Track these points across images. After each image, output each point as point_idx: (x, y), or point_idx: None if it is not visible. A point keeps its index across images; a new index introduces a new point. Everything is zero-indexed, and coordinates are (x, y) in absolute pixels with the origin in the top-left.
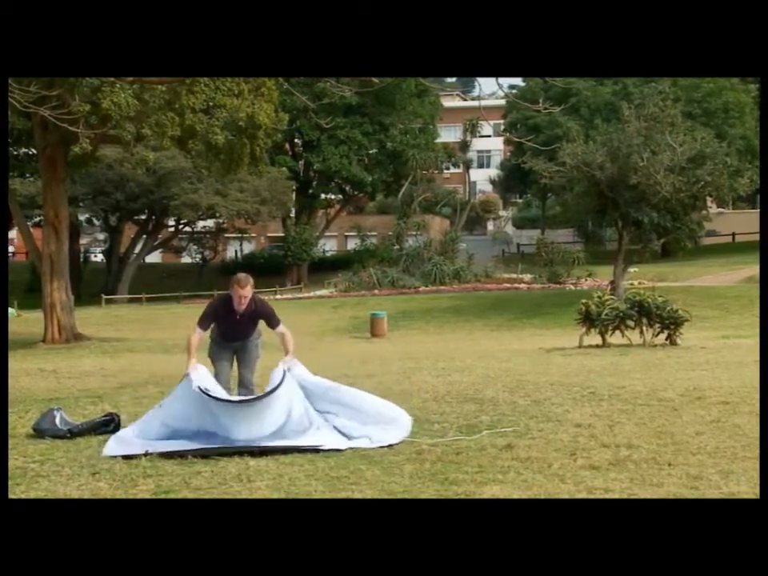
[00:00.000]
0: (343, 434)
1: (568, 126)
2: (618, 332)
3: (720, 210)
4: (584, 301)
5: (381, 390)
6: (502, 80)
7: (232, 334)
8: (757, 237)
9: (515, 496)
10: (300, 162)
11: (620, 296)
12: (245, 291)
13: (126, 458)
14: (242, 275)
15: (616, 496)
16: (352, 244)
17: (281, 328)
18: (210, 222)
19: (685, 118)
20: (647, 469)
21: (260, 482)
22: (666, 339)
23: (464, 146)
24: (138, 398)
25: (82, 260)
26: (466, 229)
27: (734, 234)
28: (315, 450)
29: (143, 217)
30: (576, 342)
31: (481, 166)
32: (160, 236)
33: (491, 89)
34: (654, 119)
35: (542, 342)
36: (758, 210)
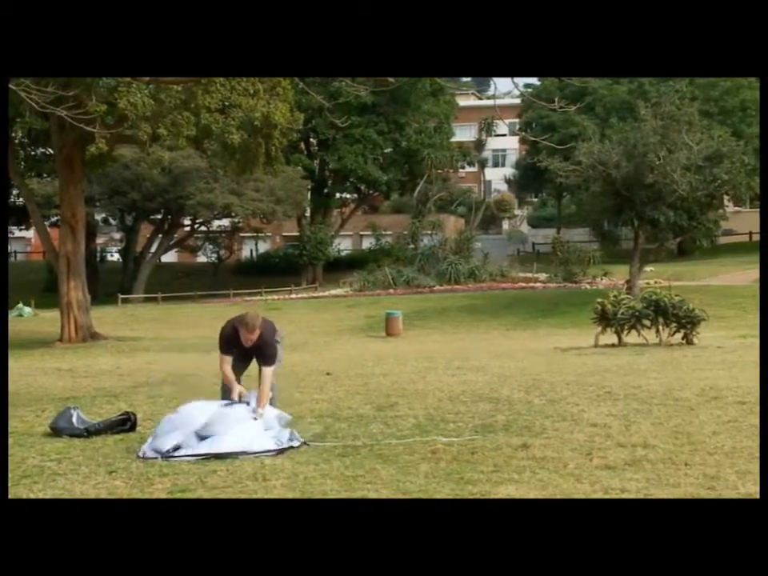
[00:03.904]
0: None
1: (584, 125)
2: (634, 331)
3: (737, 208)
4: (600, 300)
5: (395, 389)
6: (517, 79)
7: (242, 358)
8: None
9: (531, 496)
10: (315, 162)
11: (636, 295)
12: (252, 335)
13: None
14: (250, 317)
15: (632, 496)
16: (367, 243)
17: (267, 370)
18: (226, 222)
19: (702, 116)
20: (664, 469)
21: (275, 481)
22: (683, 338)
23: (479, 144)
24: (154, 396)
25: (98, 259)
26: (481, 228)
27: (750, 233)
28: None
29: (159, 216)
30: (592, 342)
31: (496, 164)
32: (176, 235)
33: (506, 88)
34: (670, 118)
35: (558, 342)
36: None
